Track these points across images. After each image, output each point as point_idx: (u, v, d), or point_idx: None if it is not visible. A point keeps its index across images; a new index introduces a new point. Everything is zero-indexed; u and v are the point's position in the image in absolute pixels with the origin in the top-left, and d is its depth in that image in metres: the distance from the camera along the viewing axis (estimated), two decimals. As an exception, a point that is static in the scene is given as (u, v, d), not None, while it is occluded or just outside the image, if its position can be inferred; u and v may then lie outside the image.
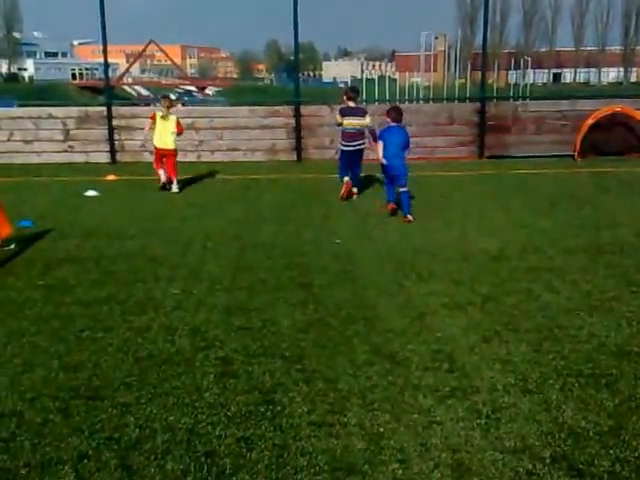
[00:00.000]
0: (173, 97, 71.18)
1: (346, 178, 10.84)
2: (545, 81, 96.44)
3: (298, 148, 15.67)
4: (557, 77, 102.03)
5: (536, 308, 5.58)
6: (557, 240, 7.87)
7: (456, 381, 4.26)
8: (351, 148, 10.68)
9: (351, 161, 10.82)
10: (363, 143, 10.76)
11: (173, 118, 11.78)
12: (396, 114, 9.77)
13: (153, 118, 11.81)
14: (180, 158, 15.21)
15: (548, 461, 3.40)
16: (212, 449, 3.53)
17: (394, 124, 9.71)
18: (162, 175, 11.90)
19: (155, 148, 11.93)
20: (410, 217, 9.16)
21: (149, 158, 14.79)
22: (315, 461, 3.41)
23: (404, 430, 3.70)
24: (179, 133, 11.87)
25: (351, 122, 10.68)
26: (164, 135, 11.73)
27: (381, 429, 3.71)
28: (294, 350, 4.76)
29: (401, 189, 9.42)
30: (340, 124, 10.80)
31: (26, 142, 15.66)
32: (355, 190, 11.01)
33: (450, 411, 3.89)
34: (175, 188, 11.74)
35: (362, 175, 11.25)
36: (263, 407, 3.95)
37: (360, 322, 5.29)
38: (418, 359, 4.58)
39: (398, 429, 3.71)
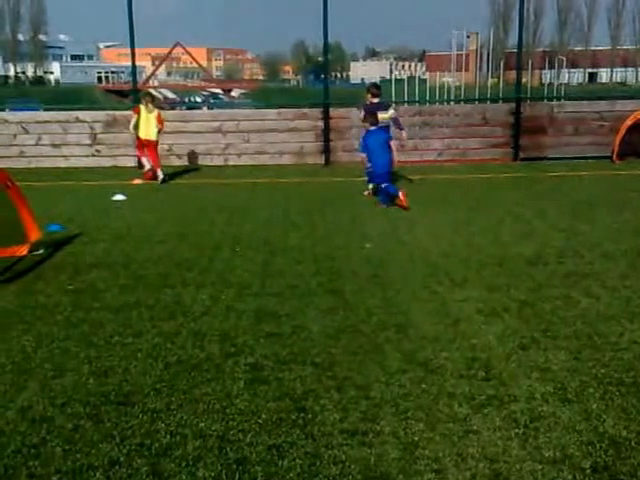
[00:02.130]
0: (199, 100, 71.62)
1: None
2: (580, 81, 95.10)
3: (326, 151, 15.58)
4: (593, 77, 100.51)
5: (575, 314, 5.44)
6: (596, 244, 7.68)
7: (492, 389, 4.15)
8: None
9: None
10: (389, 137, 11.03)
11: (155, 113, 13.23)
12: (374, 119, 10.62)
13: (137, 112, 13.24)
14: (207, 162, 15.48)
15: (589, 472, 3.29)
16: (243, 456, 3.48)
17: (373, 128, 10.54)
18: (145, 162, 13.42)
19: (138, 138, 13.35)
20: (384, 206, 10.01)
21: (176, 162, 15.08)
22: (348, 470, 3.34)
23: (439, 439, 3.61)
24: (160, 127, 13.23)
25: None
26: (148, 127, 13.17)
27: (415, 438, 3.62)
28: (325, 357, 4.69)
29: (384, 184, 10.22)
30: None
31: (54, 146, 15.79)
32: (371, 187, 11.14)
33: (487, 420, 3.79)
34: (161, 175, 13.18)
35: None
36: (294, 414, 3.88)
37: (392, 328, 5.20)
38: (452, 367, 4.48)
39: (433, 438, 3.62)
